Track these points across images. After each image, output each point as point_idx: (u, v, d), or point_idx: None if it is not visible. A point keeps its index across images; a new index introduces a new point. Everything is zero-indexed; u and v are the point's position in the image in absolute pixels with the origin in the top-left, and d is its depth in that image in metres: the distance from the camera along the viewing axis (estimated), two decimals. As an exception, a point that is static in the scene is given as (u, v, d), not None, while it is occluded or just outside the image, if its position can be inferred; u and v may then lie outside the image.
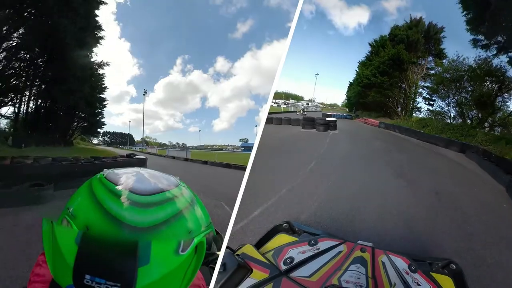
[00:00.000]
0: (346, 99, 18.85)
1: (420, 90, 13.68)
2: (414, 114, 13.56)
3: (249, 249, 1.25)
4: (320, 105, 20.60)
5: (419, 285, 1.19)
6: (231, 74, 24.99)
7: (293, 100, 21.88)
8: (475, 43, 11.44)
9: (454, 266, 1.37)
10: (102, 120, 20.13)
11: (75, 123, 18.74)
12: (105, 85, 19.65)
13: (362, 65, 15.09)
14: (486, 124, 11.34)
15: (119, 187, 0.67)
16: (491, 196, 5.42)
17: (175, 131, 26.26)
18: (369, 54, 14.87)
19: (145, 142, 25.83)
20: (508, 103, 11.56)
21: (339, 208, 4.62)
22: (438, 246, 3.89)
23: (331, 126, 10.73)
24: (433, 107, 12.86)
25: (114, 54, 25.39)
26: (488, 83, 11.30)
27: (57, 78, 14.13)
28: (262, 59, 24.53)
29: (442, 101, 12.35)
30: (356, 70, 16.19)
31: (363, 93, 14.27)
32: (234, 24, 26.20)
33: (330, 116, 13.48)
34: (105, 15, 21.87)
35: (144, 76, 25.37)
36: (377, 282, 1.18)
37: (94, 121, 19.11)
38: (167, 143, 25.89)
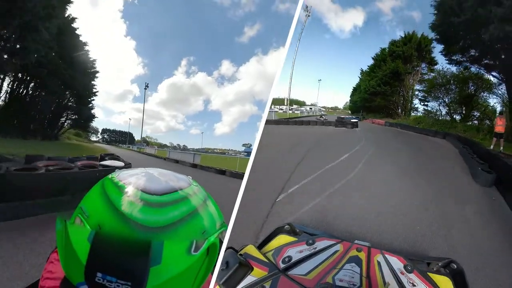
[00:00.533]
0: (351, 102, 18.57)
1: (417, 92, 14.64)
2: (413, 113, 14.62)
3: (251, 249, 1.23)
4: (323, 109, 19.66)
5: (414, 285, 1.12)
6: (235, 78, 22.52)
7: (296, 106, 20.44)
8: (450, 62, 12.83)
9: (455, 266, 1.29)
10: (92, 111, 16.58)
11: (65, 115, 15.28)
12: (95, 69, 15.73)
13: (367, 75, 15.85)
14: (475, 117, 12.71)
15: (131, 187, 0.63)
16: (447, 152, 9.82)
17: (176, 133, 23.72)
18: (373, 66, 15.83)
19: (145, 141, 22.60)
20: (489, 100, 12.46)
21: (382, 150, 9.77)
22: (414, 159, 8.63)
23: (354, 125, 13.56)
24: (428, 107, 13.99)
25: (119, 52, 23.23)
26: (470, 86, 12.46)
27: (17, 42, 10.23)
28: (267, 64, 21.72)
29: (434, 101, 13.66)
30: (359, 77, 16.67)
31: (370, 99, 15.41)
32: (241, 28, 23.26)
33: (343, 118, 15.02)
34: (111, 12, 20.38)
35: (148, 76, 22.83)
36: (371, 281, 1.13)
37: (79, 110, 15.22)
38: (168, 144, 22.88)
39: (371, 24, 16.14)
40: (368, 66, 16.40)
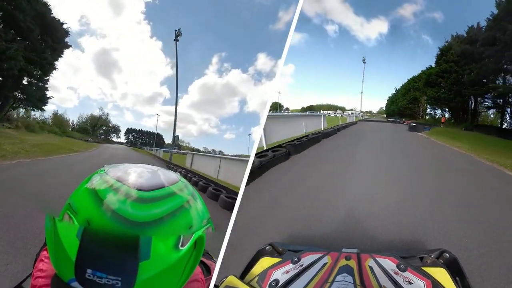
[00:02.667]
0: (389, 110, 21.37)
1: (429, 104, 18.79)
2: (427, 117, 18.99)
3: (232, 280, 1.15)
4: (362, 112, 20.43)
5: (411, 283, 1.09)
6: (274, 74, 19.10)
7: (339, 111, 20.38)
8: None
9: (448, 255, 1.26)
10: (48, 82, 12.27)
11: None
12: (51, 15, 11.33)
13: (401, 96, 20.13)
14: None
15: (119, 182, 0.64)
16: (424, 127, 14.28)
17: (209, 137, 20.72)
18: (404, 90, 20.03)
19: (176, 145, 19.16)
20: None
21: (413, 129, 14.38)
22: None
23: (399, 122, 18.33)
24: (435, 112, 18.46)
25: (145, 54, 21.01)
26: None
27: None
28: (312, 54, 17.48)
29: (438, 109, 18.17)
30: (393, 93, 20.19)
31: (403, 110, 19.62)
32: (275, 13, 19.35)
33: (392, 119, 19.58)
34: (134, 14, 19.31)
35: (178, 77, 19.96)
36: None
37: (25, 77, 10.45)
38: (202, 149, 20.10)
39: (395, 30, 16.69)
40: (400, 87, 20.55)
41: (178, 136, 19.52)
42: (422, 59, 17.62)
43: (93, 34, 18.80)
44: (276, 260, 1.33)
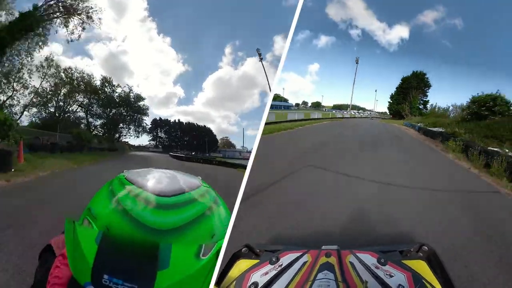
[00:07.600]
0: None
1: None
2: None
3: None
4: (376, 113, 21.15)
5: (392, 276, 1.08)
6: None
7: (361, 110, 21.30)
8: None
9: (427, 248, 1.27)
10: None
11: None
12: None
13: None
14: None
15: (140, 188, 0.62)
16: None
17: (230, 136, 18.71)
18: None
19: (225, 145, 15.48)
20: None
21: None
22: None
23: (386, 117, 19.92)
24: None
25: (155, 53, 19.22)
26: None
27: None
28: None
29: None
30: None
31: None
32: None
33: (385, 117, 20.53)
34: (137, 12, 18.18)
35: (190, 73, 18.83)
36: (349, 284, 1.06)
37: None
38: (241, 148, 17.94)
39: (416, 36, 17.34)
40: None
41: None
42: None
43: (99, 40, 18.01)
44: (254, 261, 1.27)
